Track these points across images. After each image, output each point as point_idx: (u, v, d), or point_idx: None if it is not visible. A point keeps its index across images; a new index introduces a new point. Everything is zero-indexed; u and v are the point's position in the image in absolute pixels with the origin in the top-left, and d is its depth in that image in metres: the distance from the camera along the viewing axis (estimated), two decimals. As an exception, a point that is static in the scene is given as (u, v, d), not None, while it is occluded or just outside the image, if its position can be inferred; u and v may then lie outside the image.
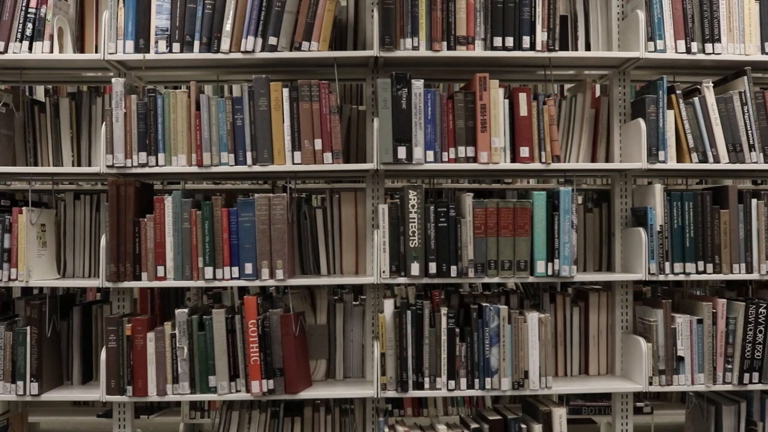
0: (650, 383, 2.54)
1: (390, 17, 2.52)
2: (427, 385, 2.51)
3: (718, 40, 2.61)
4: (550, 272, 2.53)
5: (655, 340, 2.55)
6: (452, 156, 2.55)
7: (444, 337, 2.50)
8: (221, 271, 2.50)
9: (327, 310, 2.71)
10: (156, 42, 2.54)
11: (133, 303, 2.79)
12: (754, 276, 2.58)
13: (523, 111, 2.55)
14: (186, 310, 2.50)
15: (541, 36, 2.57)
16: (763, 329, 2.55)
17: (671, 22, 2.60)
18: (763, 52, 2.64)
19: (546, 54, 2.57)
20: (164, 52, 2.54)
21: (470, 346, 2.52)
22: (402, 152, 2.50)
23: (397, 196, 2.60)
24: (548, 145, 2.55)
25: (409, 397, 3.16)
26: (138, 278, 2.51)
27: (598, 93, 2.87)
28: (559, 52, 2.59)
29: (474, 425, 2.55)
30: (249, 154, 2.52)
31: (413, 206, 2.50)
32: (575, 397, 3.47)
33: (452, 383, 2.51)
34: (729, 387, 2.58)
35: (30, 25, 2.56)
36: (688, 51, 2.60)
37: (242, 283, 2.52)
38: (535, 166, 2.56)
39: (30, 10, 2.55)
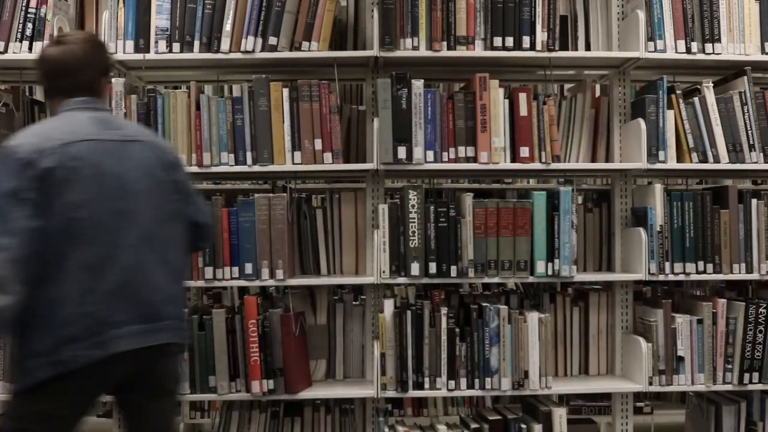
0: (650, 383, 2.54)
1: (390, 17, 2.52)
2: (427, 385, 2.51)
3: (718, 40, 2.61)
4: (550, 272, 2.52)
5: (655, 340, 2.55)
6: (452, 156, 2.55)
7: (444, 337, 2.50)
8: (221, 271, 2.50)
9: (327, 310, 2.71)
10: (156, 42, 2.54)
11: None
12: (754, 276, 2.58)
13: (523, 111, 2.55)
14: (186, 310, 2.50)
15: (541, 36, 2.57)
16: (763, 329, 2.55)
17: (671, 22, 2.59)
18: (763, 52, 2.64)
19: (546, 54, 2.57)
20: (164, 52, 2.54)
21: (470, 346, 2.51)
22: (402, 152, 2.50)
23: (397, 196, 2.60)
24: (548, 145, 2.55)
25: (409, 397, 3.15)
26: (138, 278, 2.51)
27: (598, 93, 2.86)
28: (559, 52, 2.58)
29: (474, 425, 2.55)
30: (249, 154, 2.52)
31: (413, 206, 2.50)
32: (575, 397, 3.46)
33: (452, 383, 2.51)
34: (729, 387, 2.58)
35: (30, 25, 2.56)
36: (688, 51, 2.60)
37: (242, 283, 2.52)
38: (535, 166, 2.56)
39: (30, 10, 2.55)
